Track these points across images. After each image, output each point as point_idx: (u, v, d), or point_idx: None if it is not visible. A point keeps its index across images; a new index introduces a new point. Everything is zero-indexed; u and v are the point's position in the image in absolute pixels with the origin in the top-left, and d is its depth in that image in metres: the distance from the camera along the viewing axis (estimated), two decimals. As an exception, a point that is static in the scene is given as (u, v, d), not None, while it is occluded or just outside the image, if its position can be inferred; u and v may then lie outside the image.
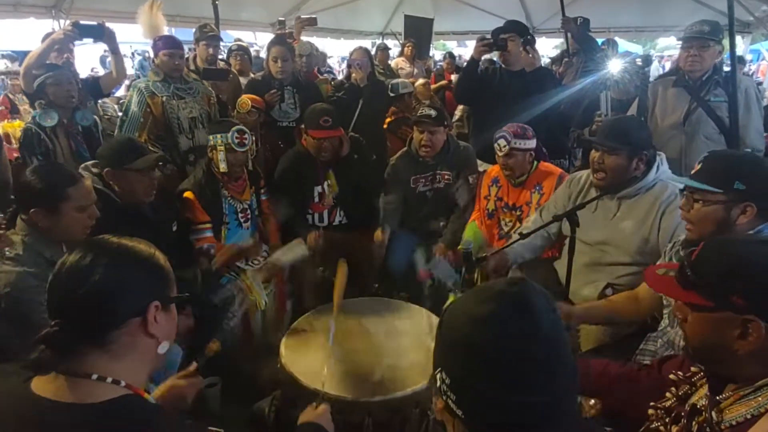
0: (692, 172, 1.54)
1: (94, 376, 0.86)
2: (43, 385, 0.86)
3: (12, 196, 2.72)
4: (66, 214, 1.65)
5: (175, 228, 2.35)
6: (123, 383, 0.88)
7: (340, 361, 1.80)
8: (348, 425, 1.63)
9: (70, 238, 1.69)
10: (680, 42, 2.91)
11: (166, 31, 3.44)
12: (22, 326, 1.51)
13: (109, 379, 0.87)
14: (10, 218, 1.70)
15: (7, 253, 1.58)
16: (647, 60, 2.98)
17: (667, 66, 10.63)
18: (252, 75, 3.83)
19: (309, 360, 1.79)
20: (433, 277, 2.35)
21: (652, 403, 1.19)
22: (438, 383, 0.78)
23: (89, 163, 2.24)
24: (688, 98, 2.73)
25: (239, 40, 5.19)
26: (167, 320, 0.97)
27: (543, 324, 0.73)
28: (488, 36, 3.19)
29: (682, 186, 1.63)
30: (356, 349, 1.89)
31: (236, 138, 2.50)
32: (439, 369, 0.78)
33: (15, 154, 3.45)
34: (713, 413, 0.99)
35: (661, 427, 1.13)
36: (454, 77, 5.90)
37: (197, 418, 1.42)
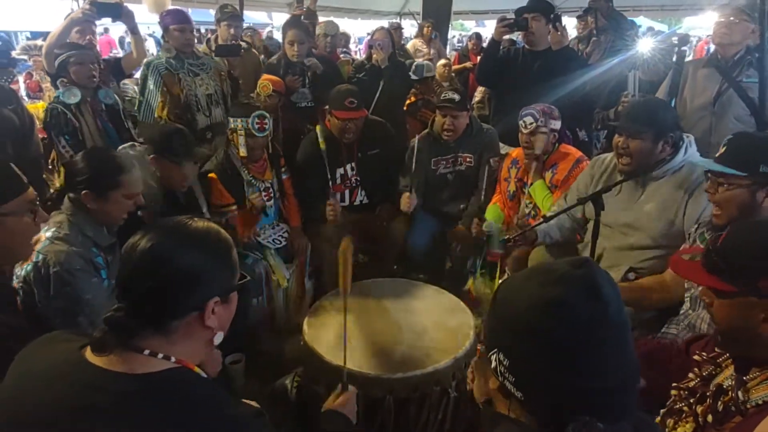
0: (716, 155, 1.53)
1: (146, 352, 0.88)
2: (95, 355, 0.88)
3: (44, 175, 2.82)
4: (114, 200, 1.70)
5: (205, 210, 2.39)
6: (173, 359, 0.90)
7: (362, 339, 1.83)
8: (369, 402, 1.67)
9: (109, 220, 1.75)
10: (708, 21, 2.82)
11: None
12: (68, 304, 1.57)
13: (160, 355, 0.89)
14: (57, 198, 1.75)
15: (56, 232, 1.63)
16: (684, 39, 2.84)
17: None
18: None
19: (332, 338, 1.83)
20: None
21: (674, 384, 1.20)
22: (494, 364, 0.78)
23: (127, 145, 2.29)
24: (719, 79, 2.65)
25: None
26: (225, 311, 0.97)
27: (611, 309, 0.73)
28: (509, 16, 3.13)
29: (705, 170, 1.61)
30: (378, 327, 1.91)
31: (257, 123, 2.50)
32: (495, 350, 0.78)
33: (42, 135, 3.52)
34: (739, 393, 1.00)
35: (685, 408, 1.13)
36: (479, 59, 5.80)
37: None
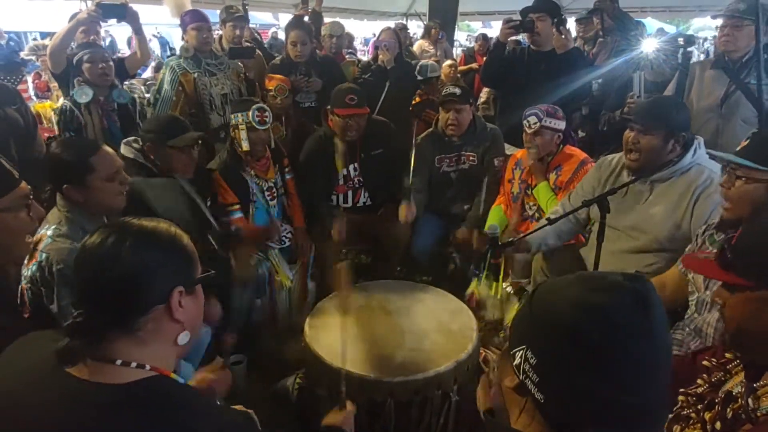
0: (738, 148, 1.51)
1: (119, 362, 0.85)
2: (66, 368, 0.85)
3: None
4: (95, 186, 1.63)
5: (209, 204, 2.39)
6: (148, 367, 0.86)
7: (363, 341, 1.81)
8: (370, 405, 1.65)
9: (108, 207, 1.69)
10: (716, 22, 2.78)
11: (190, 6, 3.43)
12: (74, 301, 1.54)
13: (134, 364, 0.85)
14: (50, 196, 1.71)
15: (57, 230, 1.60)
16: (690, 40, 2.81)
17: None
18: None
19: (333, 339, 1.80)
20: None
21: (682, 390, 1.18)
22: (518, 361, 0.75)
23: (131, 138, 2.29)
24: (726, 81, 2.62)
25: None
26: (193, 304, 0.94)
27: (657, 328, 0.70)
28: (514, 18, 3.11)
29: (725, 163, 1.59)
30: (379, 330, 1.90)
31: (257, 116, 2.49)
32: (524, 347, 0.74)
33: (47, 134, 3.54)
34: (749, 400, 0.97)
35: (693, 414, 1.11)
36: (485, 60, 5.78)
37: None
